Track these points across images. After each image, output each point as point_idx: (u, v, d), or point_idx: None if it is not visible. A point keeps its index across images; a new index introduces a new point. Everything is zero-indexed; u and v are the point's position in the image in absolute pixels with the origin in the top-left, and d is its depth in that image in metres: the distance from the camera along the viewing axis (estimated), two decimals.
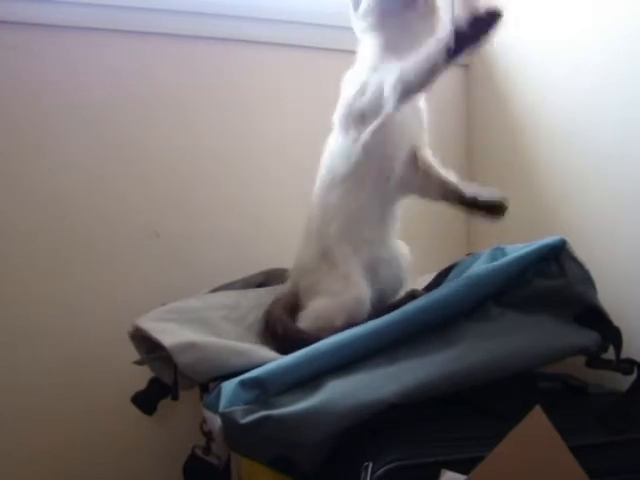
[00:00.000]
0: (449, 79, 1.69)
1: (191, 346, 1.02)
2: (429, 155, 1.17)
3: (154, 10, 1.43)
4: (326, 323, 1.08)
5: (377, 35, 1.15)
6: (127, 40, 1.42)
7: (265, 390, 0.88)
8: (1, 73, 1.35)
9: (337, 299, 1.11)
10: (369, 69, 1.13)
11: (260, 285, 1.36)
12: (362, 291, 1.10)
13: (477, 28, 0.94)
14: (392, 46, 1.11)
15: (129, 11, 1.41)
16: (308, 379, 0.90)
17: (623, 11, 1.22)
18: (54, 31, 1.37)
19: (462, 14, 0.94)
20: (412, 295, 1.17)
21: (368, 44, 1.16)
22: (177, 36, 1.46)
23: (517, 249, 1.10)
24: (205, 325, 1.13)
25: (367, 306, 1.10)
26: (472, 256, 1.25)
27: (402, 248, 1.24)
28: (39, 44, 1.37)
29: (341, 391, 0.85)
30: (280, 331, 1.14)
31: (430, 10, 1.11)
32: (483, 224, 1.64)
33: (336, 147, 1.18)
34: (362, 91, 1.11)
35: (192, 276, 1.43)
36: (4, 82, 1.35)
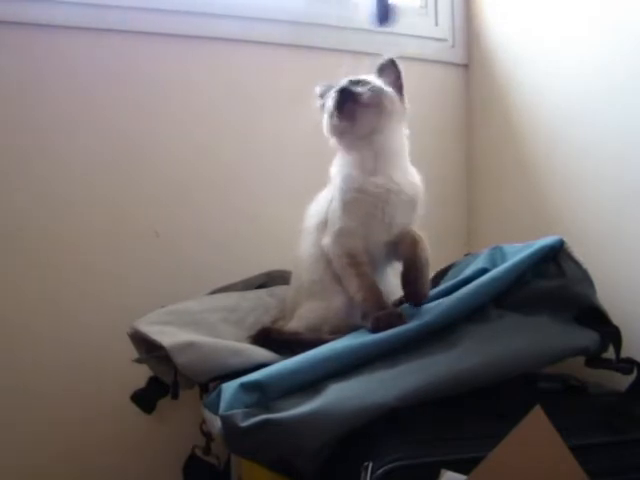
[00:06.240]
0: (449, 79, 1.69)
1: (190, 346, 1.03)
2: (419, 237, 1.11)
3: (154, 10, 1.43)
4: (314, 329, 1.10)
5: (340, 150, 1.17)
6: (127, 40, 1.42)
7: (265, 393, 0.88)
8: (1, 73, 1.35)
9: (323, 304, 1.12)
10: (335, 176, 1.17)
11: (261, 286, 1.37)
12: (346, 298, 1.10)
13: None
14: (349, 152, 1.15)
15: (129, 11, 1.41)
16: (308, 383, 0.90)
17: (623, 11, 1.22)
18: (54, 31, 1.37)
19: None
20: (402, 301, 1.17)
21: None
22: (177, 36, 1.46)
23: (515, 249, 1.10)
24: (204, 327, 1.13)
25: (353, 313, 1.09)
26: (470, 256, 1.25)
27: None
28: (39, 44, 1.37)
29: (341, 395, 0.84)
30: (275, 334, 1.14)
31: (373, 110, 1.11)
32: (483, 224, 1.66)
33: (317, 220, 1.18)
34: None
35: (192, 276, 1.42)
36: (4, 82, 1.35)
